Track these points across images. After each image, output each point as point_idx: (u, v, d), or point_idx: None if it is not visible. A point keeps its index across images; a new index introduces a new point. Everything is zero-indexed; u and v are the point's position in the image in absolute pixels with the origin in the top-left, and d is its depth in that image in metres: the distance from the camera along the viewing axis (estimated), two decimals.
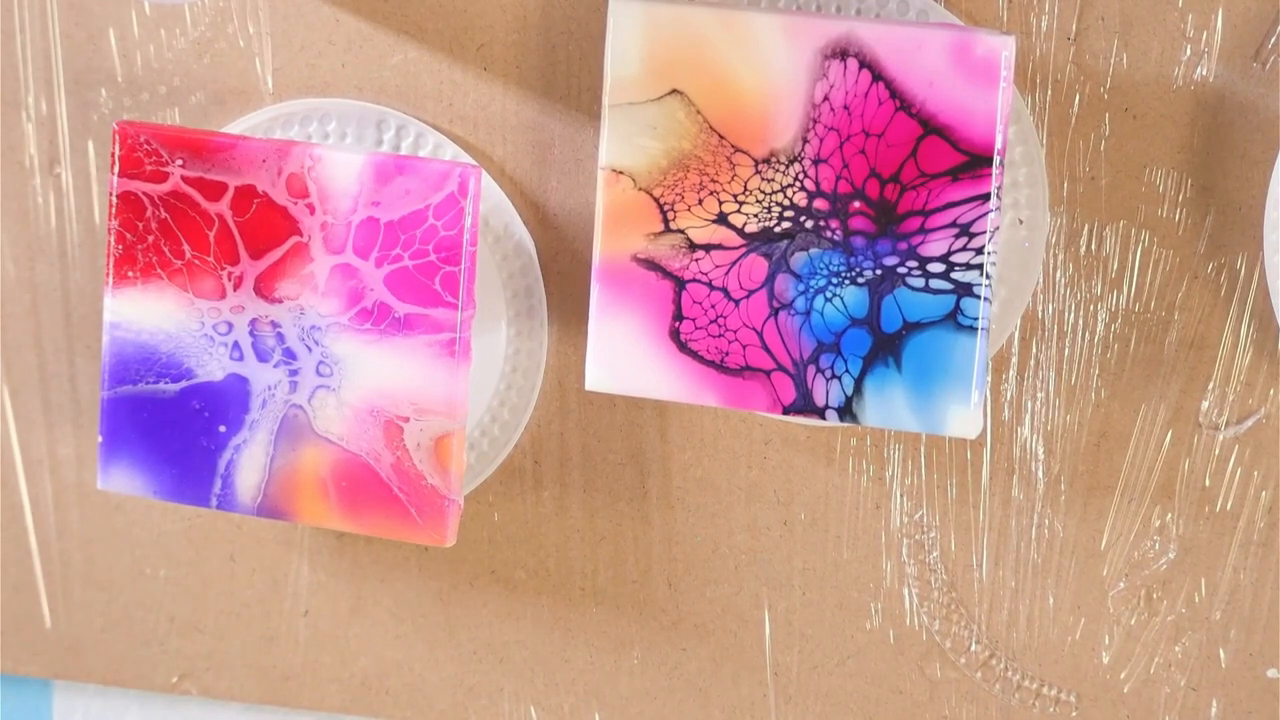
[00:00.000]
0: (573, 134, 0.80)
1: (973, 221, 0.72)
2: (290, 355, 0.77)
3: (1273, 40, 0.75)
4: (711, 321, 0.75)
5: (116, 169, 0.77)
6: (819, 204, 0.73)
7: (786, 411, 0.74)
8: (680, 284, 0.75)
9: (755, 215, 0.74)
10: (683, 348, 0.75)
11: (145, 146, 0.77)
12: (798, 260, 0.74)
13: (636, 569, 0.83)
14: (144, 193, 0.77)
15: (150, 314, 0.78)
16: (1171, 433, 0.78)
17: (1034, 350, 0.78)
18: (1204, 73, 0.76)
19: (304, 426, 0.77)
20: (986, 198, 0.72)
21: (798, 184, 0.73)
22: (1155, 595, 0.79)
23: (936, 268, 0.72)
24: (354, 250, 0.76)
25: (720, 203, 0.74)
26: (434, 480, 0.76)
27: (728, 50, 0.73)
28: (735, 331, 0.74)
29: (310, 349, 0.77)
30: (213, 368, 0.78)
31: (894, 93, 0.72)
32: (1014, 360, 0.79)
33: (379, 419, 0.76)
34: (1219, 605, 0.79)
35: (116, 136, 0.77)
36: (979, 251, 0.72)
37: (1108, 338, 0.78)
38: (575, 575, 0.83)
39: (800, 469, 0.81)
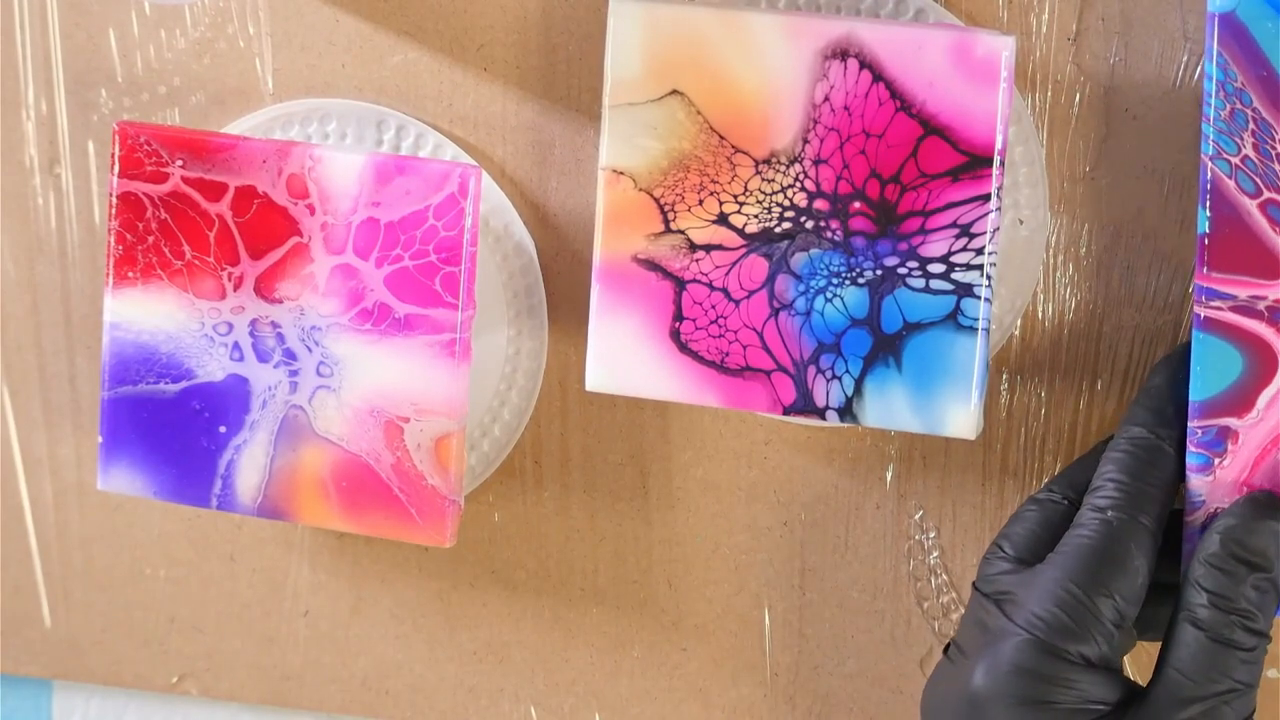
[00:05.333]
0: (573, 134, 0.80)
1: (973, 222, 0.72)
2: (290, 355, 0.77)
3: None
4: (712, 322, 0.75)
5: (116, 169, 0.77)
6: (819, 204, 0.73)
7: (787, 412, 0.74)
8: (680, 284, 0.75)
9: (755, 216, 0.74)
10: (683, 348, 0.75)
11: (145, 147, 0.77)
12: (798, 261, 0.74)
13: (637, 569, 0.83)
14: (144, 193, 0.77)
15: (150, 314, 0.78)
16: None
17: (1034, 350, 0.78)
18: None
19: (304, 427, 0.77)
20: (987, 198, 0.72)
21: (798, 184, 0.73)
22: None
23: (937, 268, 0.72)
24: (354, 251, 0.76)
25: (720, 203, 0.74)
26: (434, 480, 0.76)
27: (728, 51, 0.73)
28: (735, 332, 0.74)
29: (310, 349, 0.77)
30: (213, 368, 0.78)
31: (894, 93, 0.72)
32: (1014, 360, 0.79)
33: (379, 419, 0.76)
34: None
35: (116, 137, 0.77)
36: (979, 252, 0.72)
37: (1108, 338, 0.78)
38: (576, 575, 0.83)
39: (800, 469, 0.81)
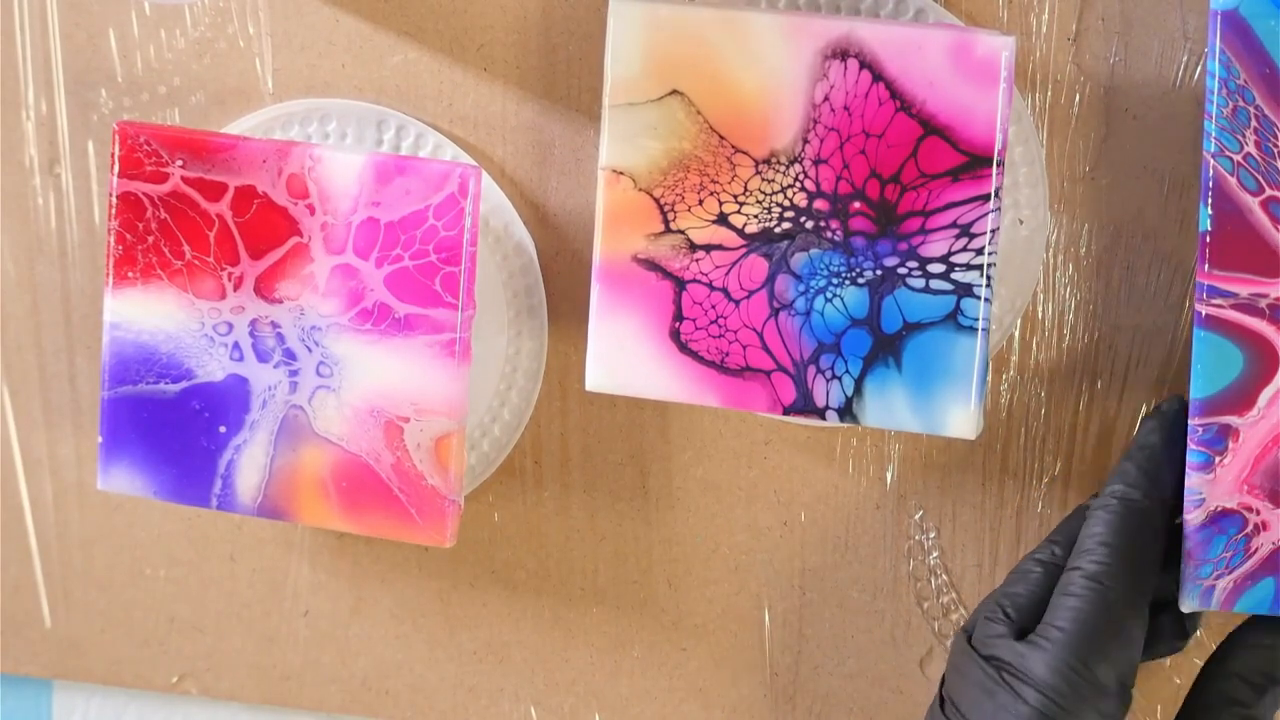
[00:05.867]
0: (573, 134, 0.80)
1: (973, 222, 0.72)
2: (290, 355, 0.77)
3: None
4: (712, 322, 0.75)
5: (116, 169, 0.77)
6: (819, 204, 0.73)
7: (787, 412, 0.74)
8: (680, 284, 0.75)
9: (755, 216, 0.74)
10: (683, 348, 0.75)
11: (145, 147, 0.77)
12: (798, 261, 0.74)
13: (637, 569, 0.83)
14: (144, 193, 0.77)
15: (150, 314, 0.78)
16: None
17: (1034, 350, 0.78)
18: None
19: (304, 427, 0.77)
20: (987, 198, 0.72)
21: (798, 184, 0.73)
22: None
23: (937, 268, 0.72)
24: (354, 251, 0.76)
25: (720, 203, 0.74)
26: (434, 480, 0.76)
27: (728, 50, 0.73)
28: (735, 332, 0.74)
29: (310, 349, 0.77)
30: (213, 368, 0.78)
31: (894, 93, 0.72)
32: (1014, 360, 0.79)
33: (379, 419, 0.76)
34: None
35: (116, 137, 0.77)
36: (979, 252, 0.72)
37: (1108, 337, 0.78)
38: (575, 575, 0.83)
39: (800, 469, 0.81)
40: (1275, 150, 0.69)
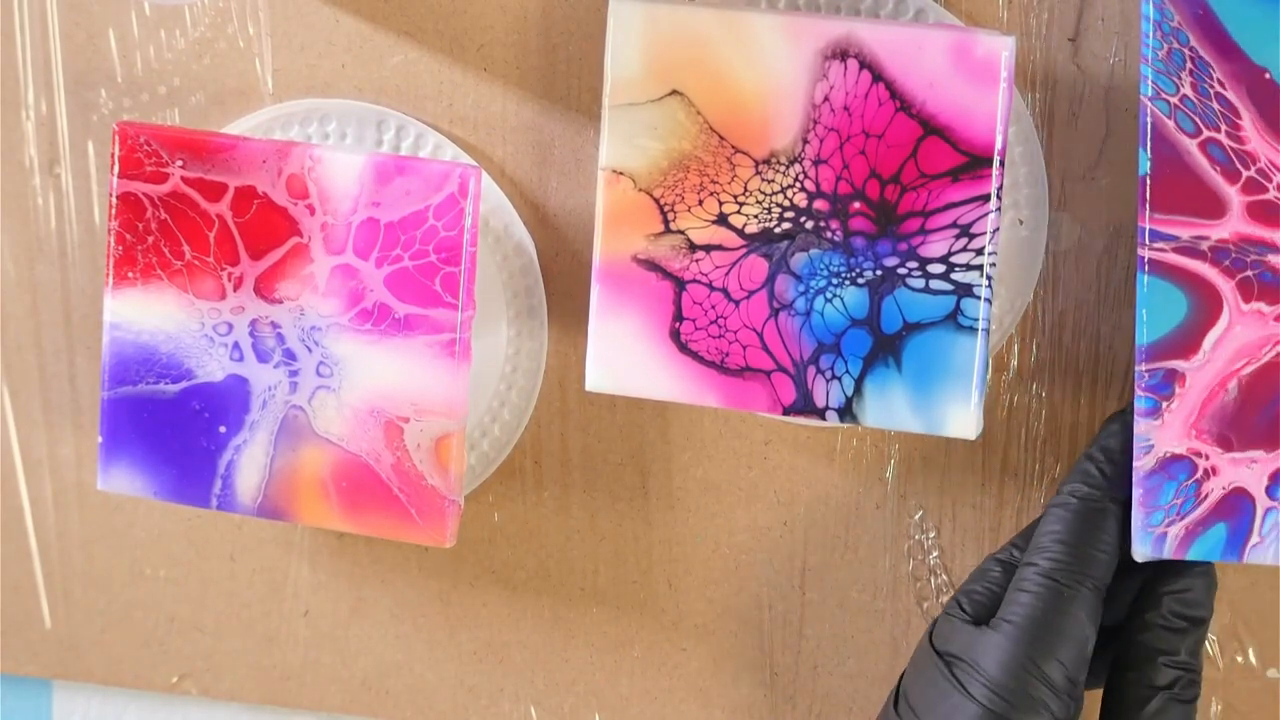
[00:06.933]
0: (573, 134, 0.80)
1: (973, 222, 0.72)
2: (290, 356, 0.77)
3: None
4: (712, 322, 0.75)
5: (116, 169, 0.77)
6: (819, 205, 0.73)
7: (787, 412, 0.74)
8: (680, 285, 0.75)
9: (755, 216, 0.74)
10: (683, 348, 0.75)
11: (145, 147, 0.77)
12: (798, 261, 0.74)
13: (637, 569, 0.83)
14: (144, 193, 0.77)
15: (150, 314, 0.78)
16: None
17: (1034, 350, 0.78)
18: None
19: (304, 427, 0.77)
20: (987, 198, 0.72)
21: (798, 185, 0.73)
22: None
23: (937, 268, 0.72)
24: (354, 251, 0.76)
25: (720, 203, 0.74)
26: (434, 480, 0.76)
27: (728, 51, 0.73)
28: (735, 332, 0.74)
29: (310, 349, 0.77)
30: (213, 368, 0.78)
31: (894, 93, 0.72)
32: (1014, 360, 0.79)
33: (379, 419, 0.76)
34: (1219, 605, 0.79)
35: (116, 137, 0.77)
36: (979, 252, 0.72)
37: (1108, 337, 0.78)
38: (575, 575, 0.83)
39: (801, 469, 0.81)
40: (1211, 92, 0.69)
